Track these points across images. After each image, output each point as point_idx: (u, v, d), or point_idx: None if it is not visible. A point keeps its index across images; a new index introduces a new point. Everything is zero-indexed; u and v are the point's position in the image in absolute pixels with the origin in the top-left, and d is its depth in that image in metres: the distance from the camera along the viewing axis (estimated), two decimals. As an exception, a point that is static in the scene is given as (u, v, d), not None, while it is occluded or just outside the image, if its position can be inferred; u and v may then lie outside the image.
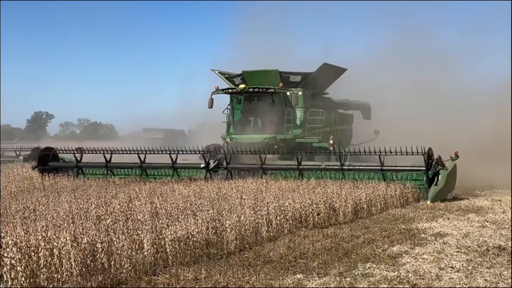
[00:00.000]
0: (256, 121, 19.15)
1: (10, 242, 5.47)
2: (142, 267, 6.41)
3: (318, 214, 9.66)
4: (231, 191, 10.89)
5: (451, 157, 13.46)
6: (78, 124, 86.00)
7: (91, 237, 6.12)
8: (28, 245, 5.58)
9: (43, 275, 5.45)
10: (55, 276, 5.59)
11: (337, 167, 13.93)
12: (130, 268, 6.25)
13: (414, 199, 12.66)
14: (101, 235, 6.33)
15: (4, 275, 5.11)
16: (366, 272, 6.62)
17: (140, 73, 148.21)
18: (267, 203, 9.23)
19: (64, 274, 5.58)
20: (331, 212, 10.03)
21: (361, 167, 13.84)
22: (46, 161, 16.57)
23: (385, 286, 6.06)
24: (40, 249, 5.61)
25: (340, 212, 10.21)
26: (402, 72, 26.53)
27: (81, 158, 16.17)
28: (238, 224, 7.92)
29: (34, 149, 23.70)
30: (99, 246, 6.08)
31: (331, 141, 18.80)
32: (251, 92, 18.69)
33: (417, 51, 28.94)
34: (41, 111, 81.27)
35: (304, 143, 18.69)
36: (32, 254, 5.50)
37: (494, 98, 23.54)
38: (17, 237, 5.60)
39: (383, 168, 13.34)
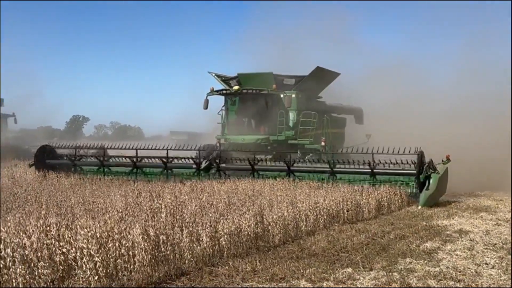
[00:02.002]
0: (249, 122, 17.81)
1: (83, 232, 5.10)
2: (202, 259, 6.06)
3: (347, 211, 9.29)
4: (264, 188, 10.51)
5: (442, 161, 12.20)
6: (110, 126, 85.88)
7: (156, 229, 5.74)
8: (103, 236, 5.20)
9: (119, 265, 5.07)
10: (128, 266, 5.21)
11: (327, 169, 12.66)
12: (191, 259, 5.90)
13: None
14: (164, 228, 5.97)
15: (84, 266, 4.74)
16: (408, 267, 6.25)
17: (168, 80, 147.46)
18: (302, 200, 8.88)
19: (136, 264, 5.21)
20: (358, 209, 9.66)
21: (351, 169, 12.53)
22: (43, 158, 15.31)
23: (433, 281, 5.68)
24: (114, 240, 5.24)
25: (365, 209, 9.84)
26: (395, 78, 25.60)
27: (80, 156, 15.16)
28: (282, 219, 7.56)
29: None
30: (164, 238, 5.72)
31: (322, 143, 17.40)
32: (245, 94, 17.37)
33: (410, 56, 27.90)
34: (78, 115, 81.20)
35: (296, 144, 17.23)
36: (109, 245, 5.12)
37: (490, 103, 22.34)
38: (94, 228, 5.23)
39: (374, 171, 12.13)
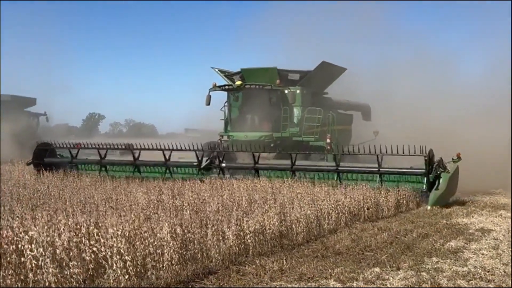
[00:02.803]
0: (253, 118, 16.73)
1: (112, 231, 4.94)
2: (228, 257, 5.89)
3: (368, 209, 9.08)
4: (283, 185, 10.31)
5: (452, 159, 11.25)
6: (125, 124, 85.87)
7: (184, 228, 5.58)
8: (131, 234, 5.05)
9: (148, 264, 4.92)
10: (156, 265, 5.06)
11: (332, 167, 11.80)
12: (218, 258, 5.74)
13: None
14: (191, 226, 5.81)
15: (114, 264, 4.59)
16: (435, 266, 6.04)
17: (182, 78, 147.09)
18: (322, 198, 8.68)
19: (165, 263, 5.06)
20: (377, 206, 9.44)
21: (357, 168, 11.71)
22: (42, 156, 14.42)
23: (463, 282, 5.47)
24: (143, 238, 5.09)
25: (385, 207, 9.62)
26: (403, 73, 24.69)
27: (77, 154, 14.22)
28: (305, 217, 7.37)
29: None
30: (191, 236, 5.56)
31: (328, 140, 16.28)
32: (247, 89, 16.30)
33: (419, 52, 26.71)
34: (94, 112, 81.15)
35: (301, 141, 16.25)
36: (137, 243, 4.96)
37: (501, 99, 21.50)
38: (122, 227, 5.07)
39: (381, 170, 11.16)
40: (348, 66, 18.87)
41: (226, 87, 16.71)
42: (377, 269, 5.82)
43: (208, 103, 16.57)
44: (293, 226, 7.14)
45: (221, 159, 12.84)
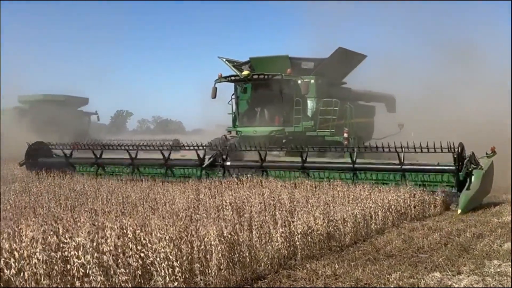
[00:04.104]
0: (262, 112, 15.15)
1: (159, 234, 4.66)
2: (277, 261, 5.56)
3: (414, 207, 8.64)
4: (323, 183, 9.93)
5: (486, 154, 9.98)
6: (153, 120, 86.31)
7: (230, 231, 5.27)
8: (177, 237, 4.76)
9: (196, 269, 4.63)
10: (205, 270, 4.77)
11: (348, 165, 10.59)
12: (267, 261, 5.42)
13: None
14: (236, 228, 5.50)
15: (163, 271, 4.31)
16: (498, 270, 5.59)
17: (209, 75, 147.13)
18: (365, 196, 8.30)
19: (214, 268, 4.76)
20: (423, 205, 8.98)
21: (375, 166, 10.57)
22: (36, 156, 13.46)
23: (535, 288, 5.02)
24: (189, 242, 4.80)
25: (431, 205, 9.15)
26: (431, 62, 23.31)
27: (71, 154, 13.33)
28: (352, 217, 6.99)
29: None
30: (239, 239, 5.25)
31: (345, 135, 14.81)
32: (255, 79, 14.70)
33: (449, 38, 25.10)
34: (122, 110, 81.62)
35: (316, 136, 14.77)
36: (183, 247, 4.68)
37: None
38: (166, 230, 4.79)
39: (403, 167, 9.94)
40: (369, 53, 17.46)
41: (233, 78, 15.21)
42: (437, 274, 5.41)
43: (214, 96, 15.31)
44: (340, 226, 6.77)
45: (225, 157, 11.73)
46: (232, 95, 15.55)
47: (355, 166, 10.45)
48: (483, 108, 19.41)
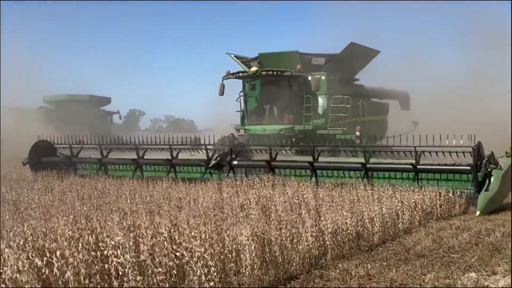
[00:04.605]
0: (271, 109, 14.63)
1: (193, 233, 4.61)
2: (308, 261, 5.49)
3: (440, 206, 8.51)
4: (347, 182, 9.82)
5: (506, 153, 9.60)
6: (165, 119, 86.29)
7: (262, 230, 5.21)
8: (210, 237, 4.71)
9: (231, 269, 4.58)
10: (239, 270, 4.72)
11: (359, 165, 10.15)
12: (299, 261, 5.35)
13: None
14: (268, 228, 5.44)
15: (198, 271, 4.26)
16: (534, 271, 5.47)
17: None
18: (389, 195, 8.19)
19: (248, 268, 4.70)
20: (449, 203, 8.85)
21: (389, 166, 10.02)
22: (39, 156, 13.11)
23: None
24: (222, 241, 4.75)
25: (456, 204, 9.01)
26: (447, 58, 22.52)
27: (78, 153, 12.98)
28: (380, 216, 6.90)
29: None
30: (272, 238, 5.19)
31: (357, 133, 14.35)
32: (264, 76, 14.19)
33: (470, 24, 24.24)
34: (135, 109, 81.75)
35: (327, 135, 14.01)
36: (218, 247, 4.62)
37: None
38: (199, 229, 4.74)
39: (418, 167, 9.56)
40: (383, 49, 16.91)
41: (240, 74, 14.67)
42: (472, 274, 5.31)
43: (222, 93, 14.83)
44: (369, 225, 6.68)
45: (233, 156, 11.23)
46: (240, 92, 15.10)
47: (368, 166, 10.06)
48: (505, 106, 18.96)
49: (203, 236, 4.45)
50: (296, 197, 7.87)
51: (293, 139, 13.79)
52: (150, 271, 3.89)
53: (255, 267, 4.80)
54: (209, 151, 11.50)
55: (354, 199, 7.84)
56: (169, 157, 11.87)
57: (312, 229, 5.68)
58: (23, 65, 33.94)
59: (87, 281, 3.49)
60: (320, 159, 10.62)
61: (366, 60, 16.63)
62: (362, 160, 10.23)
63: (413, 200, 7.92)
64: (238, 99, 15.16)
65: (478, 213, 8.50)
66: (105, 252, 3.72)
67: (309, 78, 14.35)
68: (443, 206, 8.57)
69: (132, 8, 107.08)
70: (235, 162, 11.22)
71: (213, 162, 11.21)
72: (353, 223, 6.36)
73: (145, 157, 12.34)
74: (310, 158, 10.61)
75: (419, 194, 8.27)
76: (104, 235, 3.91)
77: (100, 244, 3.79)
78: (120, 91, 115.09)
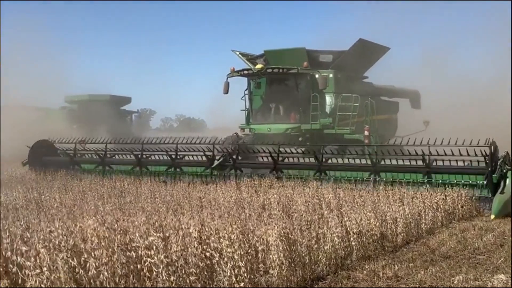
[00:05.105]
0: (277, 108, 14.25)
1: (222, 234, 4.59)
2: (334, 261, 5.46)
3: (462, 207, 8.43)
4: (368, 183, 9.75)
5: None
6: (176, 119, 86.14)
7: (289, 231, 5.18)
8: (238, 237, 4.69)
9: (261, 270, 4.56)
10: (268, 270, 4.70)
11: (368, 166, 9.80)
12: (326, 262, 5.32)
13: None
14: (293, 228, 5.41)
15: (229, 271, 4.24)
16: None
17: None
18: (410, 195, 8.13)
19: (277, 268, 4.68)
20: (471, 204, 8.76)
21: (399, 167, 9.62)
22: (40, 155, 12.79)
23: None
24: (249, 242, 4.72)
25: (478, 204, 8.92)
26: (459, 56, 22.03)
27: (77, 153, 12.69)
28: (403, 217, 6.85)
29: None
30: (299, 239, 5.16)
31: (366, 133, 13.85)
32: (269, 73, 13.82)
33: (488, 16, 23.82)
34: (145, 108, 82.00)
35: (334, 134, 13.81)
36: (246, 248, 4.60)
37: None
38: (226, 229, 4.71)
39: (430, 169, 9.27)
40: (393, 45, 17.14)
41: (245, 72, 14.35)
42: (501, 276, 5.24)
43: (227, 91, 14.50)
44: (392, 226, 6.63)
45: (235, 156, 10.90)
46: (246, 90, 14.76)
47: (377, 166, 9.73)
48: None
49: (232, 237, 4.40)
50: (317, 197, 7.83)
51: (300, 139, 13.48)
52: (183, 272, 3.87)
53: (283, 267, 4.78)
54: (212, 151, 11.10)
55: (375, 200, 7.79)
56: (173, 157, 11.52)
57: (337, 230, 5.63)
58: (46, 66, 34.17)
59: (123, 282, 3.48)
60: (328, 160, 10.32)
61: (375, 57, 16.24)
62: (369, 161, 9.94)
63: (435, 201, 7.84)
64: (243, 98, 14.85)
65: (492, 216, 8.07)
66: (139, 252, 3.70)
67: (316, 75, 13.95)
68: (464, 207, 8.49)
69: (144, 8, 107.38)
70: (238, 163, 10.92)
71: (216, 162, 10.87)
72: (377, 224, 6.31)
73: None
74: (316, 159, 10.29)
75: (440, 194, 8.18)
76: (137, 235, 3.90)
77: (134, 244, 3.78)
78: (132, 90, 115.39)
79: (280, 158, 10.74)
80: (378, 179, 9.54)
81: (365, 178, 9.76)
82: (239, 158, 11.04)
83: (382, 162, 9.94)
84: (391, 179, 9.41)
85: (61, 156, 13.15)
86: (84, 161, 12.83)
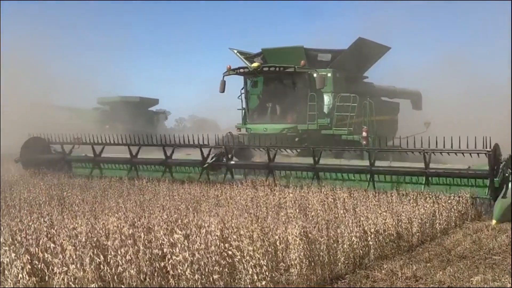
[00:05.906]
0: (273, 108, 13.65)
1: (242, 232, 4.49)
2: (353, 261, 5.33)
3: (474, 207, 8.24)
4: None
5: None
6: (189, 119, 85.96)
7: (309, 230, 5.07)
8: (259, 236, 4.58)
9: (282, 268, 4.45)
10: (288, 269, 4.59)
11: (364, 167, 9.20)
12: (345, 261, 5.19)
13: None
14: (313, 227, 5.29)
15: (250, 269, 4.14)
16: None
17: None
18: (425, 197, 7.96)
19: (297, 267, 4.57)
20: (483, 205, 8.57)
21: (396, 169, 9.05)
22: (32, 153, 11.96)
23: None
24: (270, 240, 4.62)
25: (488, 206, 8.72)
26: (460, 56, 21.40)
27: (70, 151, 11.92)
28: (418, 217, 6.70)
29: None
30: (319, 238, 5.04)
31: (364, 134, 13.13)
32: (266, 72, 13.16)
33: (479, 32, 23.53)
34: (160, 108, 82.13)
35: (332, 135, 13.22)
36: (266, 246, 4.49)
37: None
38: (246, 227, 4.61)
39: (428, 171, 8.62)
40: (393, 44, 15.96)
41: (241, 70, 13.64)
42: (520, 277, 5.09)
43: (223, 90, 13.80)
44: (408, 226, 6.49)
45: (229, 156, 10.26)
46: (242, 89, 14.12)
47: (373, 168, 9.04)
48: None
49: (254, 235, 4.30)
50: (332, 197, 7.70)
51: (296, 139, 12.99)
52: (206, 270, 3.77)
53: (303, 266, 4.66)
54: (203, 150, 10.43)
55: (389, 200, 7.64)
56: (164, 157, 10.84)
57: (356, 229, 5.51)
58: (78, 68, 34.48)
59: (148, 279, 3.39)
60: (323, 160, 9.73)
61: (375, 56, 15.58)
62: (366, 162, 9.38)
63: (449, 201, 7.68)
64: (240, 97, 14.21)
65: (494, 222, 7.53)
66: (164, 250, 3.61)
67: (314, 74, 13.32)
68: (477, 208, 8.30)
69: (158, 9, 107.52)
70: (232, 163, 10.32)
71: (208, 161, 10.23)
72: (393, 223, 6.17)
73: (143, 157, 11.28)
74: (311, 160, 9.58)
75: (453, 196, 8.01)
76: (161, 233, 3.81)
77: (159, 242, 3.69)
78: (149, 90, 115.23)
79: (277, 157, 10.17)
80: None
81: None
82: (232, 157, 10.38)
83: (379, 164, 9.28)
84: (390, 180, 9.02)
85: (85, 155, 12.07)
86: (77, 159, 12.03)
